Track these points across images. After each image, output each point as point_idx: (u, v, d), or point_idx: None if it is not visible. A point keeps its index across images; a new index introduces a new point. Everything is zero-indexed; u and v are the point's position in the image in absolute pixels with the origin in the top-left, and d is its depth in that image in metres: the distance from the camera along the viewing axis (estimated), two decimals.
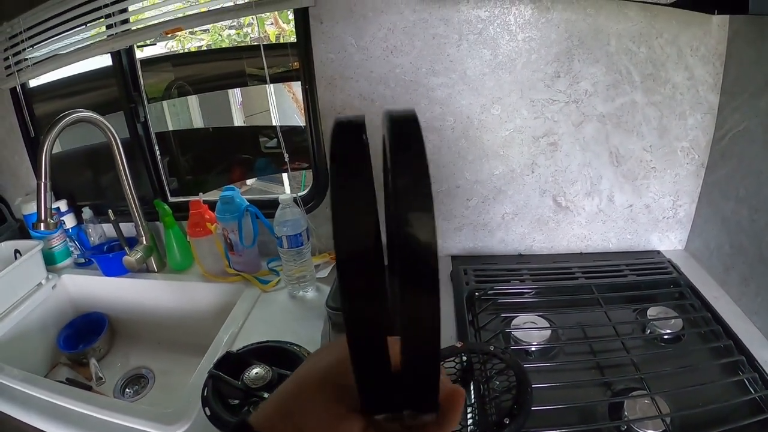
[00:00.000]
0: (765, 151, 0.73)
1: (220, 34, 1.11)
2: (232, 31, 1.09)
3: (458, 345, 0.67)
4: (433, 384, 0.21)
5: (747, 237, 0.78)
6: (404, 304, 0.19)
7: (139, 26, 0.95)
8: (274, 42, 1.08)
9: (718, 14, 0.80)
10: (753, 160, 0.77)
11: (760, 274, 0.75)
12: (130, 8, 0.94)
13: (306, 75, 0.85)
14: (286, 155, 0.86)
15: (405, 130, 0.20)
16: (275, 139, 0.89)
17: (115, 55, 1.00)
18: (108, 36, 0.97)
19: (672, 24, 0.81)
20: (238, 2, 0.83)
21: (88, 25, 1.00)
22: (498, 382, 0.63)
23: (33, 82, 1.13)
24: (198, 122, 1.14)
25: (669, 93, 0.85)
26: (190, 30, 1.00)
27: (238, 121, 1.26)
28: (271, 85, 0.92)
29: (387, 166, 0.22)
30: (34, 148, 1.15)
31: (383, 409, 0.23)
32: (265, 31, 1.12)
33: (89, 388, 0.94)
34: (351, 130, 0.20)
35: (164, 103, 1.12)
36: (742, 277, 0.80)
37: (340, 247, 0.19)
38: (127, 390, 0.97)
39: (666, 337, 0.74)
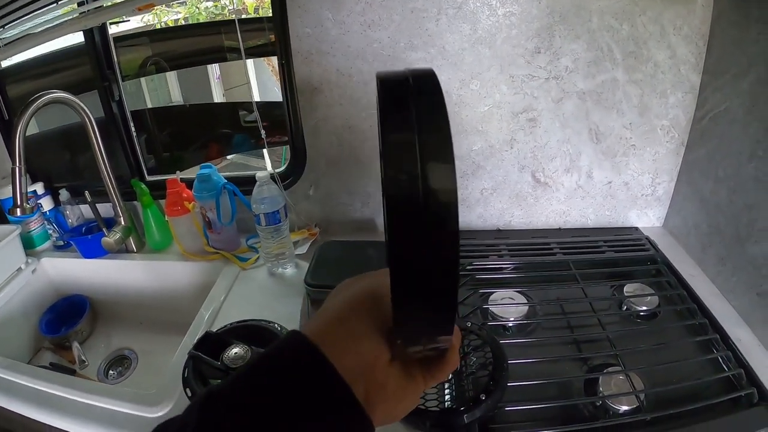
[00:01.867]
0: (745, 132, 0.73)
1: (197, 7, 1.06)
2: (210, 3, 1.04)
3: None
4: (452, 306, 0.24)
5: (725, 217, 0.78)
6: (429, 241, 0.21)
7: (111, 3, 0.90)
8: (252, 13, 1.05)
9: None
10: (733, 141, 0.76)
11: (736, 254, 0.75)
12: None
13: (282, 50, 0.82)
14: (262, 132, 0.84)
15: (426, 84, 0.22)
16: (256, 112, 0.86)
17: (88, 33, 0.95)
18: (80, 14, 0.93)
19: (656, 2, 0.79)
20: None
21: (59, 2, 0.95)
22: (475, 358, 0.62)
23: (5, 63, 1.08)
24: (177, 97, 1.10)
25: (650, 71, 0.83)
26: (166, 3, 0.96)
27: (217, 94, 1.22)
28: (250, 60, 0.89)
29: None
30: (8, 130, 1.10)
31: (410, 336, 0.25)
32: (243, 3, 1.07)
33: (73, 372, 0.93)
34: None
35: (142, 79, 1.08)
36: (718, 256, 0.80)
37: (389, 189, 0.21)
38: (110, 372, 0.96)
39: (642, 313, 0.74)
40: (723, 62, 0.79)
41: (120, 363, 0.97)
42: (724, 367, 0.62)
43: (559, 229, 0.98)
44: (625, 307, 0.75)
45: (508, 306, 0.73)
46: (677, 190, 0.93)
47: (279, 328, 0.68)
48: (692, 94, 0.85)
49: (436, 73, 0.80)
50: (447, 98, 0.78)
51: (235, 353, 0.62)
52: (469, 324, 0.65)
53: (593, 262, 0.83)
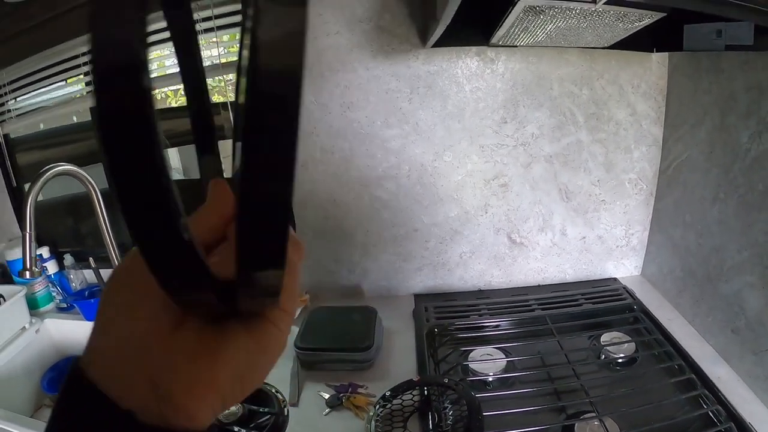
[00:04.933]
0: (706, 178, 0.83)
1: None
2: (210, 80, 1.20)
3: (415, 379, 0.76)
4: (281, 232, 0.16)
5: (695, 260, 0.87)
6: (254, 126, 0.14)
7: None
8: None
9: (657, 52, 0.90)
10: (695, 188, 0.86)
11: (709, 295, 0.83)
12: None
13: None
14: None
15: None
16: None
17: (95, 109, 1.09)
18: (87, 92, 1.07)
19: (612, 64, 0.92)
20: (207, 64, 0.94)
21: (68, 81, 1.10)
22: (452, 412, 0.72)
23: (15, 133, 1.22)
24: (176, 164, 1.23)
25: (613, 129, 0.95)
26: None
27: None
28: None
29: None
30: (16, 196, 1.24)
31: (187, 285, 0.18)
32: None
33: None
34: None
35: None
36: (694, 298, 0.88)
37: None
38: None
39: (620, 360, 0.81)
40: (681, 114, 0.90)
41: None
42: (703, 404, 0.69)
43: (539, 285, 1.07)
44: (603, 356, 0.83)
45: (487, 362, 0.82)
46: (651, 238, 1.03)
47: (269, 388, 0.78)
48: (656, 147, 0.96)
49: (412, 147, 0.92)
50: (423, 170, 0.94)
51: (228, 410, 0.72)
52: (446, 380, 0.74)
53: (570, 315, 0.92)
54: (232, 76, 1.04)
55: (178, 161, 1.19)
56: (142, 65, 0.13)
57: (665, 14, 0.65)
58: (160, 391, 0.19)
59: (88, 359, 0.20)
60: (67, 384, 0.20)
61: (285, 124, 0.14)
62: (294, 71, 0.14)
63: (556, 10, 0.63)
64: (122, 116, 0.13)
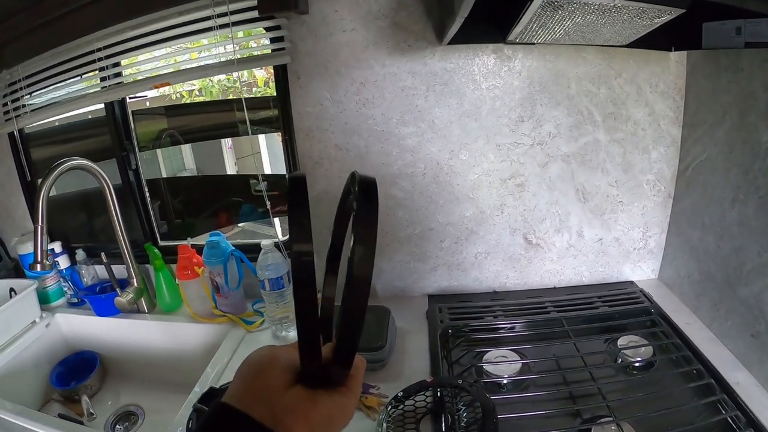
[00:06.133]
0: (725, 179, 0.82)
1: (210, 79, 1.23)
2: (222, 77, 1.21)
3: (428, 380, 0.76)
4: (353, 346, 0.35)
5: (714, 263, 0.86)
6: (348, 297, 0.32)
7: (130, 80, 1.06)
8: (262, 86, 1.21)
9: (675, 51, 0.89)
10: (715, 189, 0.85)
11: (728, 298, 0.82)
12: (123, 62, 1.06)
13: (285, 127, 0.95)
14: (267, 203, 0.97)
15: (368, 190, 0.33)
16: (265, 182, 1.00)
17: (108, 106, 1.11)
18: (102, 88, 1.08)
19: (630, 63, 0.91)
20: (221, 59, 0.94)
21: (83, 76, 1.12)
22: (465, 414, 0.71)
23: (30, 128, 1.23)
24: (190, 165, 1.24)
25: (631, 129, 0.94)
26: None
27: (229, 163, 1.36)
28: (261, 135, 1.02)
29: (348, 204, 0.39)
30: (30, 190, 1.25)
31: (314, 365, 0.35)
32: (254, 77, 1.24)
33: (81, 424, 1.01)
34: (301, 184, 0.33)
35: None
36: (712, 302, 0.87)
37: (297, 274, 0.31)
38: (117, 426, 1.04)
39: (637, 364, 0.81)
40: (700, 113, 0.89)
41: (127, 418, 1.06)
42: (722, 409, 0.68)
43: (554, 288, 1.06)
44: (620, 360, 0.82)
45: (502, 364, 0.82)
46: (668, 241, 1.01)
47: None
48: (674, 147, 0.95)
49: (427, 145, 0.93)
50: (438, 169, 0.93)
51: None
52: (460, 381, 0.74)
53: (586, 318, 0.91)
54: (246, 75, 1.05)
55: (191, 158, 1.20)
56: (313, 280, 0.31)
57: (684, 10, 0.64)
58: (277, 418, 0.33)
59: (231, 396, 0.34)
60: (214, 410, 0.34)
61: (358, 316, 0.32)
62: (367, 279, 0.31)
63: (574, 5, 0.62)
64: (305, 300, 0.32)
